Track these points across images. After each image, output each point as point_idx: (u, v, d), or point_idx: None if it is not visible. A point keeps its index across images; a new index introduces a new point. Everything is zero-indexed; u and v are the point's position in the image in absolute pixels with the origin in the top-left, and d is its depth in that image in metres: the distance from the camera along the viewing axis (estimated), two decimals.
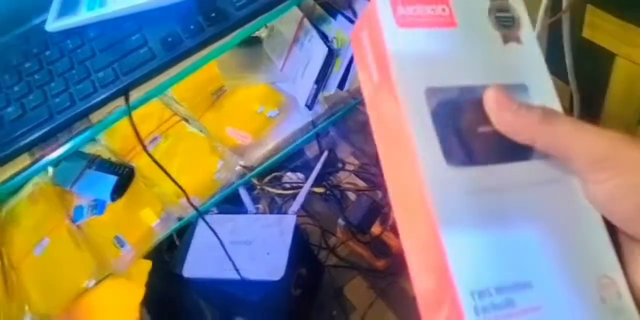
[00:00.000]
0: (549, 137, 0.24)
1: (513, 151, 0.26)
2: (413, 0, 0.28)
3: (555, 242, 0.25)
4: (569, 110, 0.73)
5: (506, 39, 0.28)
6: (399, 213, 0.26)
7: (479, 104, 0.26)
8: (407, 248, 0.26)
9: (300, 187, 1.19)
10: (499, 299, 0.23)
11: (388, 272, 1.18)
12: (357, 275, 1.20)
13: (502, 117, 0.25)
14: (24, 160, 0.51)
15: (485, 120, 0.26)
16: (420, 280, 0.25)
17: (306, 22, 0.79)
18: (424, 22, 0.28)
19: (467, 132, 0.26)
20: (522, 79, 0.27)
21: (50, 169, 0.77)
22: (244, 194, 1.09)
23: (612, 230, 0.25)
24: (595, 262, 0.25)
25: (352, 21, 0.78)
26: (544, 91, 0.28)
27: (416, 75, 0.26)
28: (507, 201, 0.25)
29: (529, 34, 0.28)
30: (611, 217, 0.25)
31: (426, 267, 0.25)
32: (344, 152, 1.34)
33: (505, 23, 0.28)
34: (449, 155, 0.25)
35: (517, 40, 0.28)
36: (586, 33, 0.63)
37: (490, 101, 0.26)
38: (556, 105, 0.27)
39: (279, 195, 1.22)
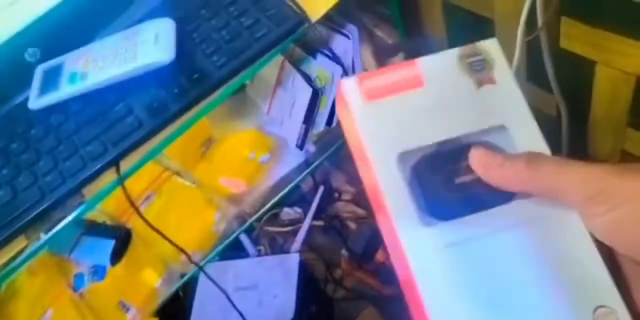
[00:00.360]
0: (539, 182, 0.25)
1: (495, 195, 0.27)
2: (379, 71, 0.29)
3: (544, 280, 0.25)
4: (556, 118, 0.74)
5: (480, 83, 0.29)
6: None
7: (456, 156, 0.28)
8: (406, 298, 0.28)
9: (299, 222, 1.18)
10: None
11: (397, 297, 1.16)
12: (368, 304, 1.18)
13: (490, 175, 0.26)
14: (20, 242, 0.50)
15: (463, 170, 0.27)
16: None
17: (287, 64, 0.79)
18: (391, 89, 0.29)
19: (447, 184, 0.28)
20: (500, 119, 0.28)
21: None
22: (244, 238, 1.07)
23: (612, 256, 0.25)
24: (590, 294, 0.25)
25: (331, 58, 0.78)
26: (524, 126, 0.28)
27: (387, 144, 0.28)
28: (492, 246, 0.26)
29: (504, 72, 0.29)
30: (615, 246, 0.25)
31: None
32: (339, 181, 1.33)
33: (477, 67, 0.29)
34: (430, 213, 0.27)
35: (491, 81, 0.28)
36: (564, 43, 0.64)
37: (475, 163, 0.27)
38: (538, 139, 0.28)
39: (279, 233, 1.20)
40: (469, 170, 0.27)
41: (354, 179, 1.33)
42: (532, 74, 0.73)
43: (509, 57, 0.28)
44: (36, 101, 0.52)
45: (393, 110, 0.28)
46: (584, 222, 0.25)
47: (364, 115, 0.28)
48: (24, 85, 0.54)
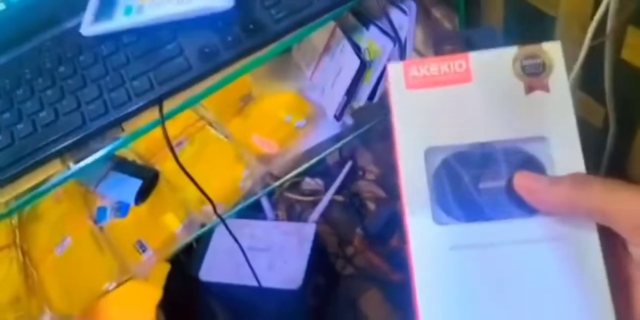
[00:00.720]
0: (586, 207, 0.25)
1: (517, 207, 0.27)
2: (428, 60, 0.28)
3: (544, 297, 0.25)
4: (602, 131, 0.72)
5: (530, 88, 0.27)
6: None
7: (486, 160, 0.27)
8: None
9: (319, 194, 1.19)
10: None
11: (405, 285, 1.16)
12: (373, 286, 1.19)
13: (536, 199, 0.26)
14: (55, 165, 0.51)
15: (491, 175, 0.27)
16: None
17: (339, 31, 0.78)
18: (437, 80, 0.28)
19: (470, 187, 0.27)
20: (542, 130, 0.27)
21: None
22: (264, 201, 1.08)
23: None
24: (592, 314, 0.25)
25: (385, 32, 0.77)
26: (566, 141, 0.27)
27: (418, 136, 0.28)
28: (500, 256, 0.26)
29: (561, 80, 0.27)
30: None
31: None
32: (365, 159, 1.33)
33: (533, 70, 0.28)
34: (446, 212, 0.27)
35: (544, 88, 0.27)
36: (625, 54, 0.62)
37: (520, 189, 0.26)
38: (577, 156, 0.27)
39: (298, 201, 1.21)
40: (496, 176, 0.27)
41: (380, 160, 1.33)
42: (585, 82, 0.70)
43: (567, 63, 0.27)
44: (89, 27, 0.53)
45: (433, 102, 0.28)
46: (629, 247, 0.25)
47: (403, 102, 0.28)
48: (78, 10, 0.55)
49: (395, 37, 0.74)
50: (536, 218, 0.26)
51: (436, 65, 0.28)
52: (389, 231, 1.18)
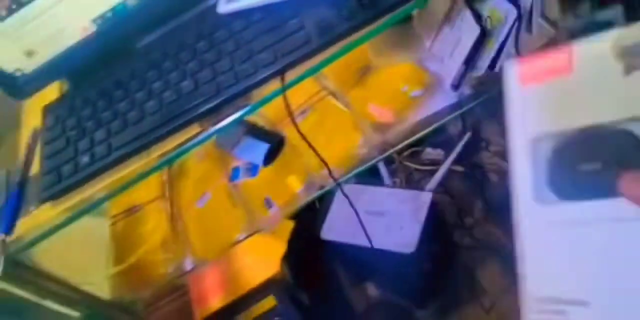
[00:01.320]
0: None
1: (614, 187, 0.28)
2: (537, 55, 0.31)
3: (630, 275, 0.27)
4: None
5: (629, 68, 0.28)
6: None
7: (585, 144, 0.29)
8: None
9: (439, 164, 1.19)
10: (553, 307, 0.28)
11: None
12: (492, 258, 1.19)
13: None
14: (194, 128, 0.59)
15: (591, 158, 0.29)
16: None
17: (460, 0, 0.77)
18: (544, 74, 0.31)
19: (572, 169, 0.30)
20: None
21: None
22: (382, 168, 1.12)
23: None
24: None
25: (510, 0, 0.75)
26: None
27: (527, 126, 0.31)
28: (592, 233, 0.28)
29: None
30: None
31: None
32: (490, 130, 1.30)
33: (634, 50, 0.28)
34: (548, 191, 0.30)
35: None
36: None
37: (625, 190, 0.27)
38: None
39: (417, 170, 1.23)
40: (596, 158, 0.29)
41: (506, 131, 1.29)
42: None
43: None
44: (224, 6, 0.59)
45: (542, 95, 0.31)
46: None
47: (516, 98, 0.32)
48: None
49: (518, 4, 0.73)
50: None
51: (544, 60, 0.31)
52: (510, 204, 1.15)
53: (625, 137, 0.28)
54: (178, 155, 0.59)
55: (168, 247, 0.80)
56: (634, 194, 0.26)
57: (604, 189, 0.28)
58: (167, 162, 0.59)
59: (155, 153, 0.59)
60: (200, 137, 0.58)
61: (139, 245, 0.81)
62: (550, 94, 0.30)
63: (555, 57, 0.30)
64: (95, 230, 0.86)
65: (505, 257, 1.17)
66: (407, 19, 0.86)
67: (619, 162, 0.28)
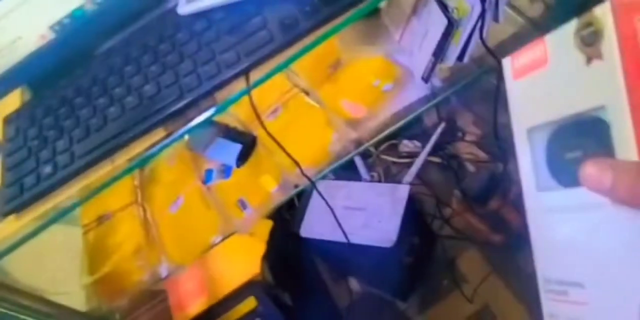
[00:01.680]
0: None
1: None
2: (522, 51, 0.32)
3: (619, 258, 0.27)
4: None
5: (589, 59, 0.28)
6: None
7: (570, 133, 0.30)
8: None
9: (416, 156, 1.19)
10: (557, 288, 0.30)
11: (504, 247, 1.15)
12: (471, 247, 1.19)
13: (605, 191, 0.26)
14: (159, 133, 0.57)
15: (574, 146, 0.30)
16: None
17: None
18: (529, 67, 0.32)
19: (561, 157, 0.31)
20: (601, 99, 0.28)
21: (186, 136, 0.86)
22: (359, 162, 1.12)
23: None
24: None
25: None
26: (618, 108, 0.27)
27: (521, 119, 0.33)
28: (585, 218, 0.29)
29: (610, 44, 0.27)
30: None
31: None
32: (465, 120, 1.31)
33: (588, 40, 0.28)
34: (547, 179, 0.31)
35: (599, 56, 0.27)
36: None
37: (588, 182, 0.27)
38: (627, 122, 0.27)
39: (395, 163, 1.23)
40: (579, 146, 0.30)
41: (482, 121, 1.30)
42: None
43: None
44: (184, 7, 0.58)
45: (528, 88, 0.32)
46: None
47: (511, 92, 0.33)
48: None
49: None
50: None
51: (529, 54, 0.32)
52: (488, 193, 1.16)
53: (598, 125, 0.28)
54: (144, 161, 0.57)
55: (142, 253, 0.78)
56: (593, 181, 0.27)
57: None
58: (133, 168, 0.57)
59: (120, 160, 0.57)
60: (165, 141, 0.57)
61: (112, 253, 0.79)
62: (533, 87, 0.32)
63: (534, 50, 0.31)
64: (68, 239, 0.84)
65: (485, 245, 1.17)
66: (375, 12, 0.85)
67: (594, 149, 0.28)
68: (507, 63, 0.34)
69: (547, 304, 0.31)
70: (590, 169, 0.27)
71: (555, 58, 0.30)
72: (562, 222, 0.30)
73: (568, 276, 0.30)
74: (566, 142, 0.30)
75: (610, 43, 0.27)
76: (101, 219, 0.84)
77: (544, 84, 0.31)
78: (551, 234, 0.31)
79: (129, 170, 0.57)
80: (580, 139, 0.29)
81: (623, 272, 0.27)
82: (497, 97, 0.81)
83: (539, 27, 0.81)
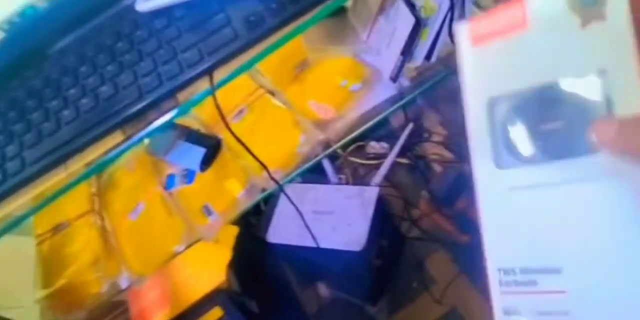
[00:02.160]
0: None
1: (578, 146, 0.26)
2: (489, 14, 0.29)
3: (601, 236, 0.25)
4: None
5: (585, 21, 0.26)
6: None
7: (547, 102, 0.27)
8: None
9: (384, 157, 1.18)
10: (523, 278, 0.27)
11: (472, 247, 1.15)
12: (440, 248, 1.19)
13: (611, 145, 0.25)
14: (117, 136, 0.54)
15: (551, 117, 0.27)
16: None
17: None
18: (497, 33, 0.29)
19: (531, 130, 0.28)
20: (600, 62, 0.26)
21: (146, 139, 0.82)
22: (327, 165, 1.10)
23: None
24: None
25: None
26: (625, 72, 0.25)
27: (482, 88, 0.29)
28: (563, 195, 0.26)
29: (619, 5, 0.26)
30: None
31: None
32: (432, 121, 1.31)
33: (588, 2, 0.26)
34: (506, 156, 0.28)
35: (601, 17, 0.26)
36: None
37: (594, 136, 0.25)
38: (635, 84, 0.25)
39: (363, 165, 1.22)
40: (555, 117, 0.27)
41: (448, 121, 1.30)
42: None
43: None
44: (143, 3, 0.54)
45: (495, 55, 0.29)
46: None
47: (469, 59, 0.30)
48: None
49: None
50: (596, 155, 0.26)
51: (496, 18, 0.29)
52: (455, 193, 1.16)
53: (582, 96, 0.26)
54: (101, 167, 0.54)
55: (101, 264, 0.74)
56: (609, 139, 0.25)
57: (567, 148, 0.27)
58: (90, 174, 0.54)
59: (75, 166, 0.53)
60: (124, 146, 0.53)
61: (69, 264, 0.75)
62: (504, 53, 0.29)
63: (507, 14, 0.29)
64: (20, 250, 0.79)
65: (453, 246, 1.17)
66: (342, 11, 0.83)
67: (580, 118, 0.26)
68: (463, 29, 0.30)
69: (503, 298, 0.28)
70: (598, 124, 0.25)
71: (538, 21, 0.28)
72: (531, 200, 0.27)
73: (538, 263, 0.27)
74: (540, 113, 0.28)
75: (619, 3, 0.25)
76: (57, 229, 0.79)
77: (519, 49, 0.28)
78: (515, 216, 0.28)
79: (85, 176, 0.54)
80: (561, 109, 0.27)
81: (613, 248, 0.25)
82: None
83: None
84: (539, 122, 0.28)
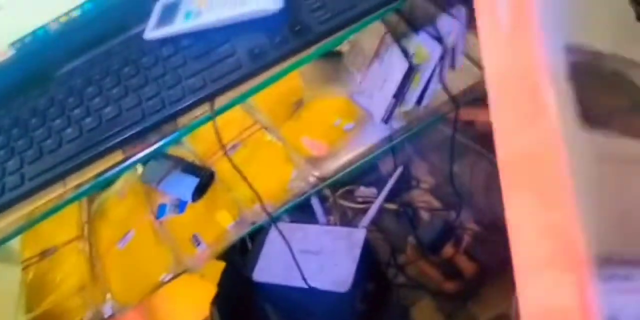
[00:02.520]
0: None
1: None
2: None
3: None
4: None
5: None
6: (509, 172, 0.23)
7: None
8: (513, 213, 0.23)
9: (373, 202, 1.20)
10: (622, 271, 0.20)
11: (458, 295, 1.15)
12: (426, 296, 1.18)
13: None
14: (117, 156, 0.55)
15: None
16: (528, 246, 0.22)
17: (388, 37, 0.80)
18: None
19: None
20: None
21: (140, 168, 0.83)
22: (316, 205, 1.11)
23: None
24: None
25: (433, 37, 0.78)
26: None
27: (559, 29, 0.22)
28: None
29: None
30: None
31: (543, 230, 0.22)
32: (420, 169, 1.33)
33: None
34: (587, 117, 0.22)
35: None
36: None
37: None
38: None
39: (351, 208, 1.23)
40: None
41: (436, 170, 1.32)
42: None
43: None
44: (151, 32, 0.58)
45: None
46: None
47: None
48: (144, 17, 0.60)
49: (442, 42, 0.76)
50: None
51: None
52: (442, 241, 1.17)
53: None
54: (98, 185, 0.55)
55: (86, 291, 0.73)
56: None
57: None
58: (87, 192, 0.54)
59: (73, 183, 0.54)
60: (123, 165, 0.55)
61: (53, 289, 0.74)
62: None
63: None
64: (5, 275, 0.78)
65: (438, 294, 1.16)
66: (338, 55, 0.88)
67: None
68: None
69: (609, 300, 0.20)
70: None
71: None
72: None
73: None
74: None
75: None
76: (44, 254, 0.78)
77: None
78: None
79: (81, 194, 0.55)
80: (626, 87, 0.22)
81: None
82: (452, 146, 0.83)
83: None
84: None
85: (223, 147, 0.60)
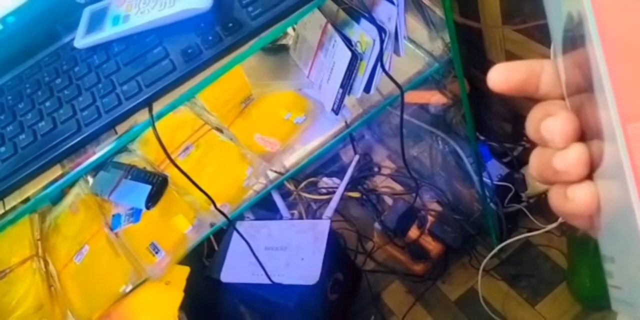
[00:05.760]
0: None
1: None
2: None
3: None
4: None
5: None
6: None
7: None
8: None
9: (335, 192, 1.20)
10: None
11: (426, 276, 1.16)
12: (395, 279, 1.19)
13: None
14: (55, 171, 0.53)
15: None
16: None
17: (329, 27, 0.79)
18: None
19: None
20: None
21: (90, 179, 0.81)
22: (279, 201, 1.10)
23: None
24: None
25: (375, 24, 0.78)
26: None
27: None
28: None
29: None
30: None
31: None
32: (380, 156, 1.34)
33: None
34: None
35: None
36: None
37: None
38: None
39: (315, 200, 1.23)
40: None
41: (395, 155, 1.33)
42: None
43: None
44: (81, 40, 0.56)
45: None
46: None
47: None
48: (73, 25, 0.58)
49: (383, 28, 0.76)
50: None
51: None
52: (407, 224, 1.18)
53: None
54: (39, 202, 0.53)
55: (45, 310, 0.71)
56: None
57: None
58: (28, 209, 0.52)
59: (12, 202, 0.52)
60: (62, 181, 0.53)
61: (11, 311, 0.71)
62: None
63: None
64: None
65: (406, 276, 1.18)
66: (284, 49, 0.86)
67: None
68: None
69: None
70: None
71: None
72: None
73: None
74: None
75: None
76: None
77: None
78: None
79: (24, 212, 0.53)
80: None
81: None
82: (401, 129, 0.84)
83: (441, 62, 0.86)
84: None
85: (166, 152, 0.59)
